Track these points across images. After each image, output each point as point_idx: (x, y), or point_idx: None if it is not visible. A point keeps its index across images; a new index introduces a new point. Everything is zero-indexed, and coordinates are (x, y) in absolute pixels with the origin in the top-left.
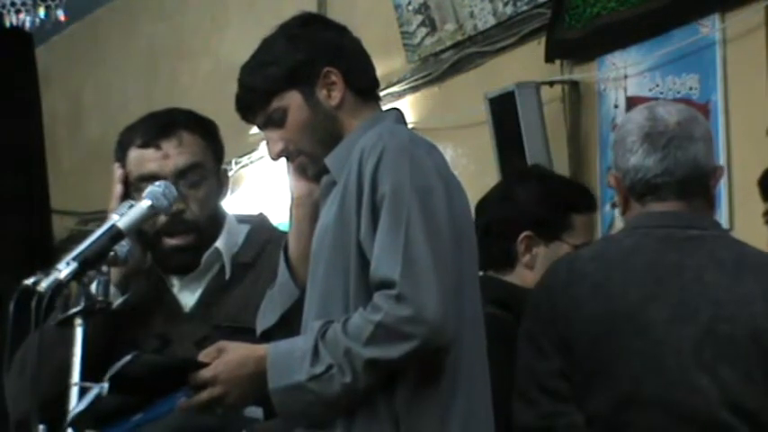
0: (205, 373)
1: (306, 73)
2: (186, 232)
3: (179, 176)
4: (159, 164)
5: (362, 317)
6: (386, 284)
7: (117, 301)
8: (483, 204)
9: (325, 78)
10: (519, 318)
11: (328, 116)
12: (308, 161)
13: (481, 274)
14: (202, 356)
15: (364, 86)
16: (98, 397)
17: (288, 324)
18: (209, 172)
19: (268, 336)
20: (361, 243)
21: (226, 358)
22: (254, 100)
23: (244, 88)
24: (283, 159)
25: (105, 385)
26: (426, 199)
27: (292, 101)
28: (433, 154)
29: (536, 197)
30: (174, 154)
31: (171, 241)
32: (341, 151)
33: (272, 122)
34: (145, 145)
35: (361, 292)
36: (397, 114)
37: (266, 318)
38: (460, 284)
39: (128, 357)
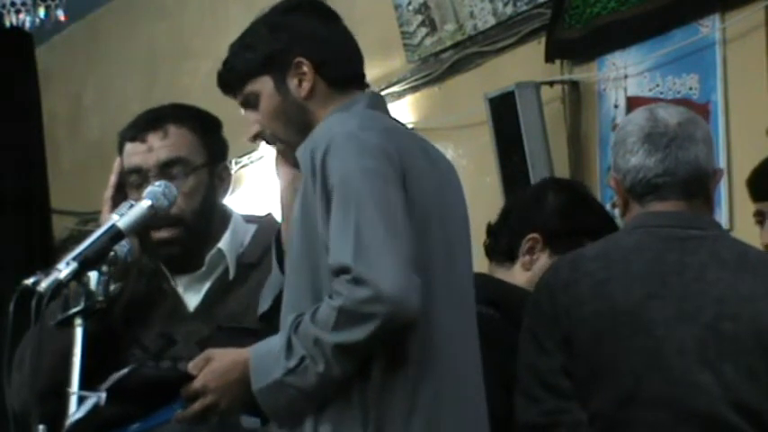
0: (195, 384)
1: (279, 61)
2: (170, 225)
3: (161, 169)
4: (143, 157)
5: (327, 304)
6: (342, 270)
7: (110, 288)
8: (515, 195)
9: (296, 68)
10: (506, 316)
11: (297, 106)
12: (285, 148)
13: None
14: (191, 367)
15: (340, 77)
16: (96, 406)
17: (279, 309)
18: (196, 166)
19: (265, 319)
20: (323, 236)
21: (212, 366)
22: (231, 80)
23: (224, 67)
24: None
25: (103, 395)
26: (375, 181)
27: (264, 87)
28: (389, 138)
29: (561, 209)
30: (157, 147)
31: (157, 234)
32: (307, 143)
33: (248, 104)
34: (133, 138)
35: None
36: (370, 100)
37: (264, 302)
38: (428, 268)
39: (125, 371)
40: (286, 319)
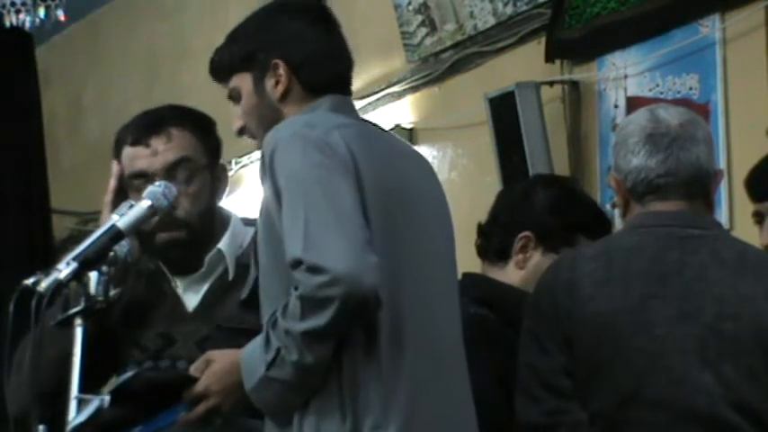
0: (197, 388)
1: (259, 60)
2: (177, 228)
3: (168, 172)
4: (148, 161)
5: (292, 296)
6: (296, 263)
7: (110, 293)
8: (504, 193)
9: (274, 69)
10: (500, 316)
11: (271, 107)
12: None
13: (467, 271)
14: (192, 370)
15: (317, 82)
16: (98, 409)
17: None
18: (200, 167)
19: (245, 305)
20: (282, 234)
21: (214, 369)
22: (218, 72)
23: (214, 56)
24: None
25: (106, 398)
26: (320, 173)
27: (245, 84)
28: (339, 133)
29: (551, 205)
30: (162, 150)
31: (162, 236)
32: None
33: (232, 98)
34: (135, 143)
35: None
36: (333, 102)
37: (245, 289)
38: (393, 253)
39: (128, 374)
40: (262, 318)
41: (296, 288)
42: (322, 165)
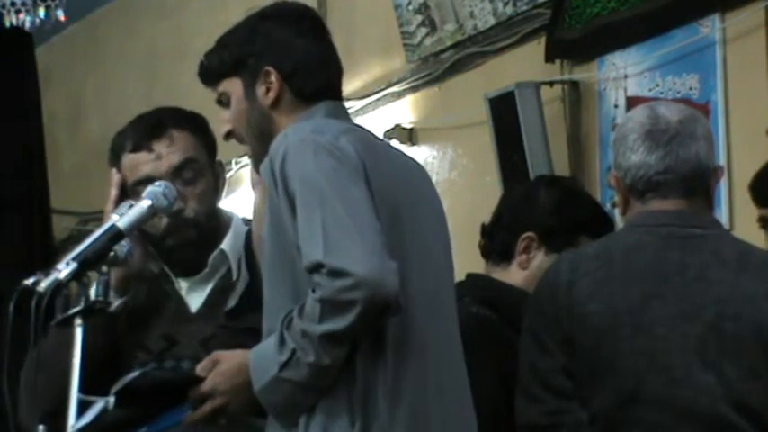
0: (204, 387)
1: (250, 67)
2: (188, 228)
3: (175, 175)
4: (153, 165)
5: (311, 298)
6: (316, 267)
7: (115, 303)
8: (507, 194)
9: (265, 77)
10: (502, 316)
11: (262, 114)
12: (251, 153)
13: (471, 272)
14: (199, 370)
15: (308, 89)
16: (104, 410)
17: (245, 306)
18: (203, 166)
19: (232, 315)
20: (295, 241)
21: (221, 368)
22: (207, 76)
23: (203, 61)
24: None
25: (111, 399)
26: (334, 178)
27: (235, 89)
28: (346, 138)
29: (553, 206)
30: (166, 153)
31: (174, 238)
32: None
33: (221, 102)
34: (136, 149)
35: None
36: (328, 109)
37: (231, 299)
38: (399, 258)
39: (135, 374)
40: (264, 325)
41: (313, 291)
42: (335, 169)
